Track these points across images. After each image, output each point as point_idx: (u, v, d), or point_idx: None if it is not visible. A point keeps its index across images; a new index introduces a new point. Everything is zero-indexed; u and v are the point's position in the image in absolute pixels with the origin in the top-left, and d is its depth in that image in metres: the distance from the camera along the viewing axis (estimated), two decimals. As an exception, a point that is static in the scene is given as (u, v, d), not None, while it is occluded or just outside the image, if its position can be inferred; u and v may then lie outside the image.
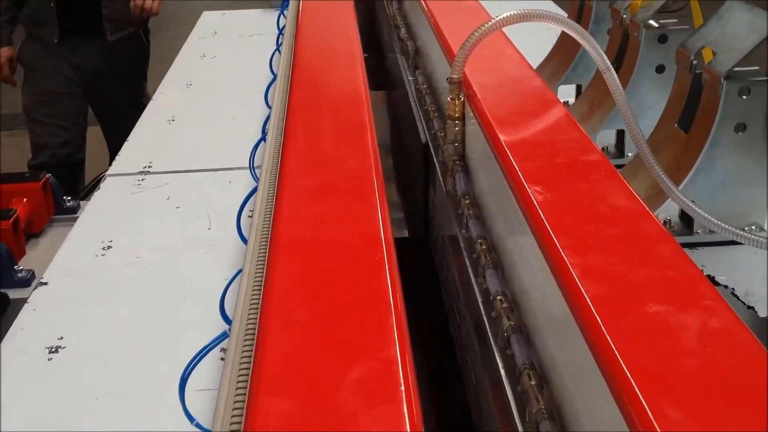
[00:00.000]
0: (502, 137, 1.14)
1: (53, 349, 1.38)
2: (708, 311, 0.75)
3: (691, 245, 1.64)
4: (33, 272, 1.79)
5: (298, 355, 0.71)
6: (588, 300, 0.76)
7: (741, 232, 1.51)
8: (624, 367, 0.67)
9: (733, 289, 1.52)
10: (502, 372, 0.98)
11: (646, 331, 0.72)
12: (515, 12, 1.36)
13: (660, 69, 1.96)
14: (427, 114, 1.78)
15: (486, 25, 1.34)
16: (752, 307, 1.47)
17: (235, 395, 0.74)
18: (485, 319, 1.08)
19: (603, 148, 2.08)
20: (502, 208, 1.12)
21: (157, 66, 3.43)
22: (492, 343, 1.03)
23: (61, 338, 1.41)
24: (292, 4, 2.36)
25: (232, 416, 0.73)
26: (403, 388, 0.66)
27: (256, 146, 1.92)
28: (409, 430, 0.61)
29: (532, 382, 0.89)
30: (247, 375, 0.76)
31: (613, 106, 1.98)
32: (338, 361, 0.70)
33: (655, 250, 0.85)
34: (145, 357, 1.36)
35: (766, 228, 1.63)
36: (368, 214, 0.93)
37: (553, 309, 0.86)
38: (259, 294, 0.95)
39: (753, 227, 1.63)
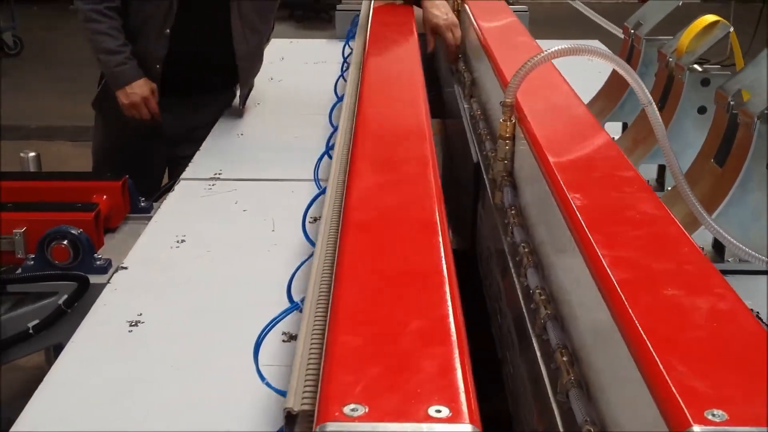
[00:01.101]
0: (548, 154, 1.28)
1: (133, 323, 1.54)
2: (717, 296, 0.88)
3: (722, 272, 1.75)
4: (110, 261, 1.96)
5: (366, 309, 0.86)
6: (614, 281, 0.89)
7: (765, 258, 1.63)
8: (642, 333, 0.80)
9: (758, 313, 1.63)
10: (538, 353, 1.11)
11: (663, 308, 0.85)
12: (567, 45, 1.51)
13: (702, 110, 2.09)
14: (479, 137, 1.93)
15: (540, 55, 1.48)
16: (774, 330, 1.57)
17: (311, 339, 0.89)
18: (524, 311, 1.21)
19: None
20: (545, 214, 1.25)
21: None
22: (530, 330, 1.16)
23: (140, 314, 1.57)
24: (358, 38, 2.54)
25: (309, 358, 0.87)
26: (454, 334, 0.80)
27: (320, 159, 2.07)
28: (459, 362, 0.75)
29: (564, 359, 1.02)
30: (323, 323, 0.91)
31: (655, 143, 2.11)
32: (400, 314, 0.84)
33: (676, 248, 0.99)
34: (215, 332, 1.51)
35: (792, 260, 1.74)
36: (425, 206, 1.08)
37: (585, 297, 0.99)
38: (328, 271, 1.10)
39: (781, 259, 1.74)
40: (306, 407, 0.82)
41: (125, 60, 2.51)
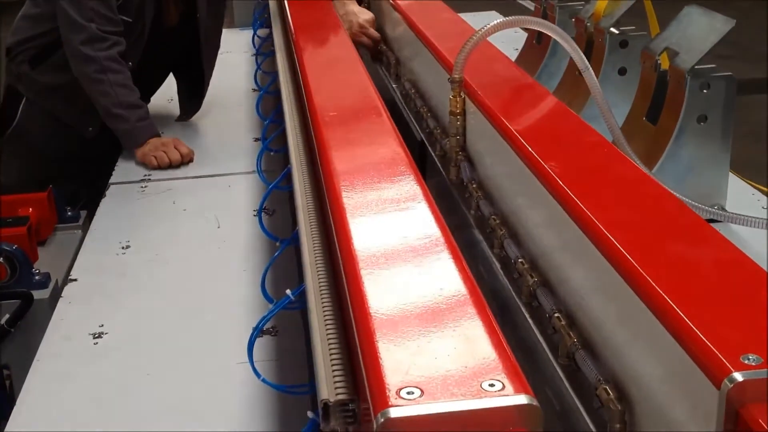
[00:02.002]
0: (510, 125, 1.31)
1: (97, 335, 1.49)
2: (716, 247, 0.92)
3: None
4: (48, 274, 1.88)
5: (389, 290, 0.86)
6: (616, 243, 0.92)
7: (712, 209, 1.72)
8: (659, 290, 0.83)
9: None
10: (530, 321, 1.13)
11: (670, 262, 0.89)
12: (508, 18, 1.53)
13: (622, 71, 2.16)
14: (418, 116, 1.94)
15: (483, 29, 1.50)
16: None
17: (327, 329, 0.89)
18: (508, 282, 1.23)
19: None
20: (517, 184, 1.28)
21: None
22: (517, 300, 1.19)
23: (102, 325, 1.52)
24: (276, 26, 2.51)
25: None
26: (483, 307, 0.81)
27: (261, 153, 2.04)
28: (497, 336, 0.76)
29: (563, 323, 1.04)
30: (332, 312, 0.91)
31: (583, 106, 2.17)
32: (423, 291, 0.84)
33: (663, 205, 1.02)
34: (181, 335, 1.48)
35: (727, 208, 1.83)
36: (408, 182, 1.08)
37: (584, 261, 1.02)
38: (321, 259, 1.09)
39: (716, 207, 1.82)
40: (342, 396, 0.81)
41: (146, 114, 2.32)
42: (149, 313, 1.57)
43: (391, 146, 1.25)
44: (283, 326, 1.48)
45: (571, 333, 1.03)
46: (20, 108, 2.42)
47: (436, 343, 0.76)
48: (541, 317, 1.12)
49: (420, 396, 0.70)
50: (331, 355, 0.88)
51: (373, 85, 1.57)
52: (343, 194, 1.06)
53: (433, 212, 1.03)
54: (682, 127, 1.75)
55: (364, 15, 2.55)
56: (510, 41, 2.89)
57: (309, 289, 1.01)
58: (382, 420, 0.68)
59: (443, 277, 0.86)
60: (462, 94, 1.55)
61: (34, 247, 1.99)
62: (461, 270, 0.87)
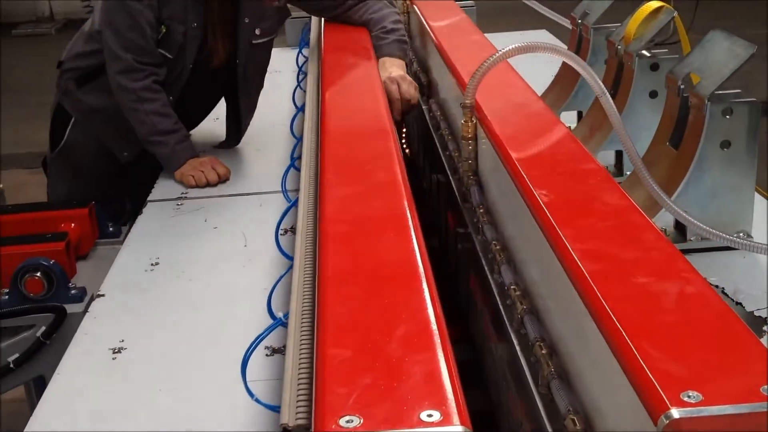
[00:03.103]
0: (510, 151, 1.32)
1: (116, 350, 1.55)
2: (684, 281, 0.92)
3: (685, 251, 1.81)
4: (84, 289, 1.96)
5: (351, 319, 0.89)
6: (586, 273, 0.93)
7: (730, 237, 1.69)
8: (615, 321, 0.84)
9: (723, 288, 1.69)
10: (518, 348, 1.15)
11: (634, 295, 0.89)
12: (520, 44, 1.55)
13: (653, 94, 2.14)
14: (442, 138, 1.96)
15: (494, 56, 1.52)
16: (740, 303, 1.63)
17: (300, 352, 0.92)
18: (501, 307, 1.25)
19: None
20: (512, 210, 1.29)
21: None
22: (508, 326, 1.20)
23: (122, 341, 1.58)
24: (312, 48, 2.56)
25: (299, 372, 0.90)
26: (438, 338, 0.83)
27: (286, 171, 2.09)
28: (445, 366, 0.78)
29: (543, 351, 1.06)
30: (310, 336, 0.93)
31: (611, 129, 2.17)
32: (385, 321, 0.87)
33: (642, 236, 1.03)
34: (198, 353, 1.53)
35: (752, 234, 1.80)
36: (397, 208, 1.11)
37: (558, 289, 1.03)
38: (309, 283, 1.13)
39: (741, 234, 1.80)
40: (301, 421, 0.85)
41: (184, 137, 2.35)
42: (169, 329, 1.62)
43: (390, 172, 1.29)
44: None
45: (549, 362, 1.04)
46: (69, 127, 2.52)
47: (384, 373, 0.79)
48: (527, 345, 1.13)
49: (359, 425, 0.72)
50: (299, 380, 0.91)
51: (387, 109, 1.61)
52: (328, 218, 1.10)
53: (415, 237, 1.06)
54: (702, 152, 1.73)
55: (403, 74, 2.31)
56: (555, 60, 2.89)
57: (292, 313, 1.05)
58: (321, 445, 0.71)
59: (402, 306, 0.89)
60: (473, 118, 1.57)
61: (73, 262, 2.07)
62: (420, 299, 0.89)
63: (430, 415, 0.73)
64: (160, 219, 2.15)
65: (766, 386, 0.72)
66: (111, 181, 2.56)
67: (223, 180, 2.35)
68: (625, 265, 0.96)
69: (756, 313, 1.60)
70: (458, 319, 1.75)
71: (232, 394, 1.40)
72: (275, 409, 1.27)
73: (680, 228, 1.84)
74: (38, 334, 1.86)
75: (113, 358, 1.53)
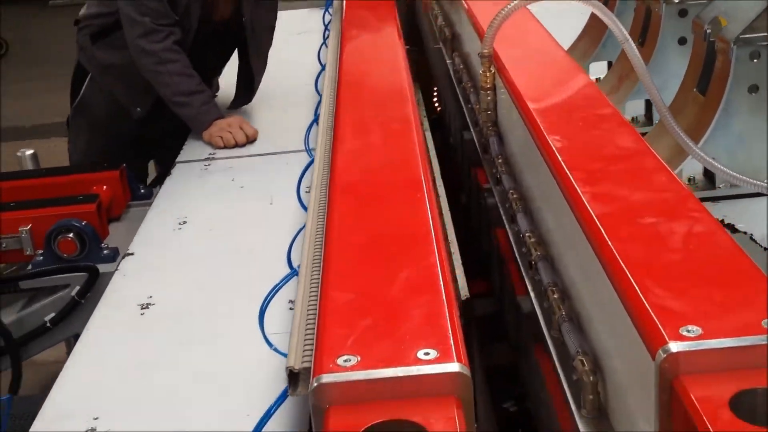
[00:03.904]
0: (526, 99, 1.31)
1: (144, 306, 1.58)
2: (693, 220, 0.91)
3: (714, 199, 1.78)
4: (117, 249, 2.00)
5: (356, 266, 0.89)
6: (593, 215, 0.92)
7: (760, 183, 1.65)
8: (620, 261, 0.83)
9: (751, 234, 1.66)
10: (532, 294, 1.14)
11: (641, 236, 0.88)
12: (539, -9, 1.52)
13: (682, 41, 2.10)
14: (464, 90, 1.95)
15: (512, 3, 1.50)
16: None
17: (308, 300, 0.93)
18: (517, 255, 1.24)
19: (633, 118, 2.23)
20: (528, 159, 1.28)
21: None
22: (523, 273, 1.20)
23: (150, 297, 1.61)
24: (335, 3, 2.54)
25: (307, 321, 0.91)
26: (441, 281, 0.83)
27: (309, 128, 2.10)
28: (446, 308, 0.79)
29: (555, 296, 1.05)
30: (317, 289, 0.94)
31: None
32: (389, 267, 0.88)
33: (653, 178, 1.01)
34: (223, 307, 1.56)
35: (785, 181, 1.76)
36: (408, 159, 1.11)
37: (569, 234, 1.03)
38: (321, 235, 1.13)
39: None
40: (306, 365, 0.86)
41: (209, 98, 2.37)
42: (196, 285, 1.65)
43: (408, 136, 1.28)
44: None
45: (561, 306, 1.04)
46: (85, 83, 2.58)
47: (385, 315, 0.80)
48: (539, 291, 1.13)
49: (356, 363, 0.73)
50: (306, 327, 0.92)
51: (405, 63, 1.59)
52: (339, 170, 1.10)
53: (425, 186, 1.06)
54: (729, 98, 1.69)
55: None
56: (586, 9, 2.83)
57: (303, 263, 1.06)
58: (315, 385, 0.72)
59: (407, 253, 0.89)
60: (492, 68, 1.56)
61: (104, 223, 2.11)
62: (426, 245, 0.89)
63: (427, 353, 0.73)
64: (188, 179, 2.18)
65: (767, 320, 0.71)
66: (130, 142, 2.60)
67: (251, 141, 2.37)
68: (635, 207, 0.95)
69: (784, 259, 1.57)
70: (485, 274, 1.75)
71: (255, 345, 1.42)
72: (292, 357, 1.28)
73: (709, 175, 1.81)
74: (73, 293, 1.90)
75: (141, 314, 1.56)
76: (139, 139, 2.59)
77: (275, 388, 1.29)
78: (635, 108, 2.21)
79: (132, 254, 1.80)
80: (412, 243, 0.93)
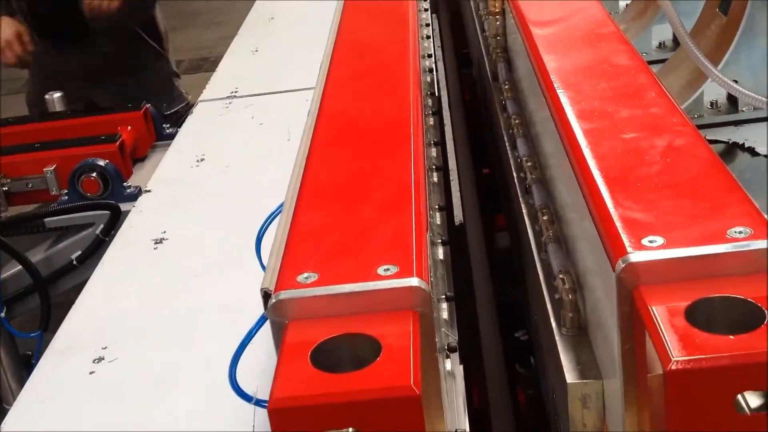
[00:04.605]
0: (528, 19, 1.27)
1: (158, 240, 1.61)
2: (676, 134, 0.88)
3: (737, 123, 1.73)
4: (140, 188, 2.03)
5: (329, 188, 0.89)
6: (574, 130, 0.90)
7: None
8: (593, 173, 0.81)
9: (773, 158, 1.61)
10: (526, 218, 1.13)
11: (621, 150, 0.86)
12: None
13: (710, -39, 2.01)
14: (480, 19, 1.90)
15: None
16: (787, 172, 1.56)
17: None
18: (516, 180, 1.23)
19: (660, 44, 2.16)
20: (529, 82, 1.25)
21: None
22: (518, 191, 1.18)
23: (164, 232, 1.63)
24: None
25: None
26: (413, 201, 0.82)
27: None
28: (414, 225, 0.78)
29: (545, 218, 1.04)
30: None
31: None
32: (362, 189, 0.87)
33: (644, 95, 0.98)
34: (236, 241, 1.57)
35: (810, 102, 1.69)
36: (397, 81, 1.09)
37: (556, 153, 1.00)
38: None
39: (796, 102, 1.69)
40: (281, 286, 0.86)
41: None
42: (210, 221, 1.67)
43: (400, 50, 1.26)
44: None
45: (549, 227, 1.02)
46: None
47: (351, 234, 0.79)
48: (533, 214, 1.12)
49: (315, 280, 0.73)
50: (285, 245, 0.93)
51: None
52: (328, 95, 1.09)
53: (414, 123, 1.04)
54: (751, 15, 1.63)
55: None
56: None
57: (289, 187, 1.06)
58: (274, 301, 0.72)
59: (381, 174, 0.88)
60: (500, -7, 1.52)
61: (128, 162, 2.14)
62: (416, 166, 0.88)
63: (387, 269, 0.73)
64: (208, 118, 2.19)
65: (733, 229, 0.69)
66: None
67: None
68: (620, 123, 0.92)
69: (805, 181, 1.52)
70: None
71: (259, 278, 1.43)
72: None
73: (732, 99, 1.75)
74: (97, 231, 1.95)
75: (155, 248, 1.59)
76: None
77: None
78: (662, 33, 2.14)
79: (149, 191, 1.83)
80: (389, 162, 0.92)
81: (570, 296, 0.89)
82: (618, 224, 0.73)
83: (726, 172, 0.79)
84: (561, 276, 0.92)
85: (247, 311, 1.35)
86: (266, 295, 0.87)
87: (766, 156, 1.60)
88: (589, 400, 0.84)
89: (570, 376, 0.85)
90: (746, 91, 1.52)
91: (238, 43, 2.73)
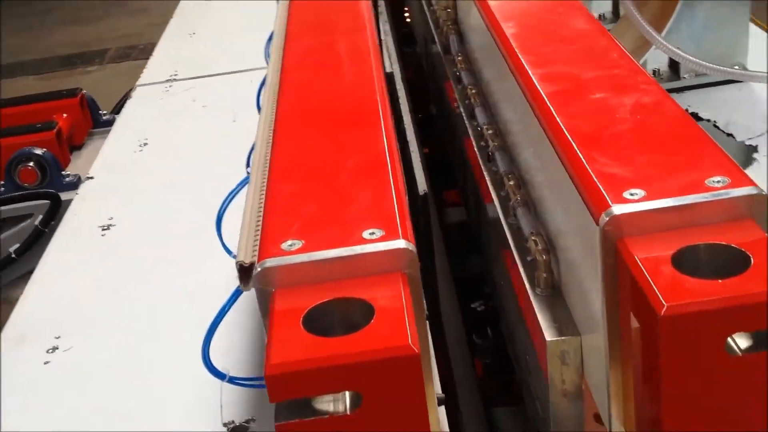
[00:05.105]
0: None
1: (105, 227, 1.56)
2: (642, 93, 0.89)
3: (679, 90, 1.77)
4: (79, 176, 1.97)
5: (302, 155, 0.88)
6: (542, 92, 0.90)
7: (728, 68, 1.63)
8: (565, 132, 0.82)
9: (714, 122, 1.65)
10: (490, 186, 1.13)
11: (589, 110, 0.87)
12: None
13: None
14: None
15: None
16: (731, 134, 1.60)
17: (259, 196, 0.91)
18: (476, 148, 1.23)
19: (600, 16, 2.19)
20: (485, 52, 1.26)
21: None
22: (481, 164, 1.19)
23: (111, 218, 1.59)
24: None
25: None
26: (389, 167, 0.82)
27: (269, 41, 2.05)
28: (393, 190, 0.78)
29: (511, 183, 1.04)
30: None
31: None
32: (336, 154, 0.86)
33: (606, 56, 0.99)
34: (186, 224, 1.54)
35: (748, 68, 1.74)
36: (359, 50, 1.08)
37: (521, 117, 1.01)
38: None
39: (736, 67, 1.74)
40: (256, 258, 0.84)
41: None
42: (157, 206, 1.63)
43: (356, 21, 1.25)
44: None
45: (516, 192, 1.03)
46: None
47: (331, 200, 0.78)
48: (498, 180, 1.12)
49: (301, 246, 0.72)
50: (257, 223, 0.91)
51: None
52: (289, 67, 1.08)
53: (376, 74, 1.03)
54: (691, -17, 1.66)
55: None
56: None
57: (254, 161, 1.04)
58: (260, 269, 0.71)
59: (354, 140, 0.87)
60: (448, -36, 1.52)
61: (66, 151, 2.08)
62: (373, 131, 0.87)
63: (372, 233, 0.72)
64: (149, 102, 2.14)
65: (711, 178, 0.71)
66: None
67: None
68: (585, 84, 0.93)
69: (747, 143, 1.57)
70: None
71: (216, 259, 1.41)
72: (255, 264, 1.27)
73: (674, 66, 1.79)
74: (36, 222, 1.89)
75: (102, 235, 1.54)
76: None
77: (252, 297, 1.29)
78: (601, 6, 2.17)
79: (92, 178, 1.78)
80: (362, 129, 0.91)
81: (544, 257, 0.90)
82: (597, 180, 0.73)
83: (696, 127, 0.81)
84: (533, 238, 0.92)
85: (203, 294, 1.34)
86: (242, 269, 0.85)
87: (708, 120, 1.64)
88: (568, 357, 0.85)
89: (548, 334, 0.85)
90: (690, 57, 1.55)
91: (173, 26, 2.67)
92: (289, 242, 0.73)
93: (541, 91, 0.92)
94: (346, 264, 0.71)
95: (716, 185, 0.70)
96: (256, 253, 0.85)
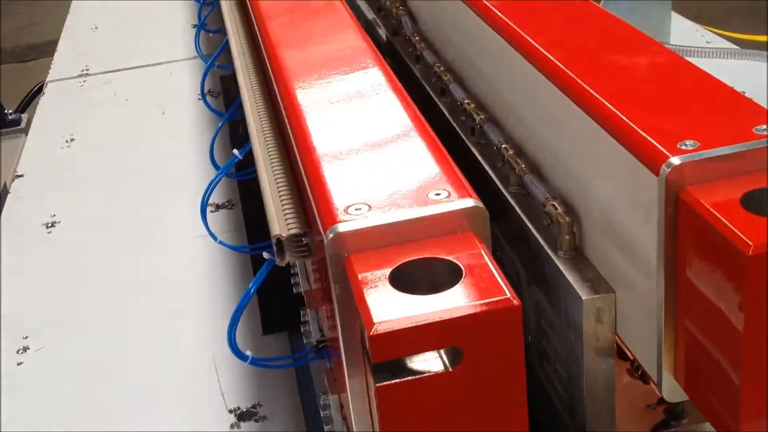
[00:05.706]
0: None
1: (50, 224, 1.48)
2: (653, 53, 0.92)
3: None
4: (-5, 176, 1.85)
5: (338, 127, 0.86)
6: (555, 60, 0.92)
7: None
8: (597, 94, 0.84)
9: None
10: (479, 157, 1.14)
11: (608, 72, 0.89)
12: None
13: None
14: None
15: None
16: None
17: (273, 171, 0.88)
18: (455, 125, 1.24)
19: None
20: (457, 26, 1.26)
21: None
22: (465, 141, 1.19)
23: (54, 215, 1.50)
24: None
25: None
26: (426, 133, 0.81)
27: (197, 34, 1.99)
28: (448, 158, 0.77)
29: (510, 152, 1.05)
30: (279, 153, 0.90)
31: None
32: (367, 123, 0.85)
33: (603, 23, 1.02)
34: (133, 216, 1.48)
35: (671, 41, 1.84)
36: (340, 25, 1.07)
37: (524, 88, 1.02)
38: (265, 111, 1.08)
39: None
40: (294, 231, 0.82)
41: None
42: (100, 199, 1.56)
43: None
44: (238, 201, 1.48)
45: (518, 161, 1.04)
46: None
47: (384, 166, 0.77)
48: (490, 152, 1.13)
49: (368, 210, 0.70)
50: (280, 194, 0.88)
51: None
52: (281, 49, 1.05)
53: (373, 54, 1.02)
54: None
55: None
56: None
57: (253, 135, 1.01)
58: (331, 236, 0.69)
59: (385, 108, 0.86)
60: (396, -54, 1.51)
61: (-24, 152, 1.94)
62: (403, 101, 0.86)
63: (438, 194, 0.71)
64: (65, 98, 2.03)
65: (758, 126, 0.74)
66: None
67: None
68: (591, 49, 0.95)
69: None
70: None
71: (182, 251, 1.36)
72: (240, 249, 1.24)
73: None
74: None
75: (48, 232, 1.46)
76: None
77: (203, 284, 1.25)
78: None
79: (21, 176, 1.67)
80: (382, 100, 0.90)
81: (567, 218, 0.91)
82: (647, 134, 0.75)
83: (721, 83, 0.84)
84: (552, 202, 0.94)
85: (165, 280, 1.28)
86: (279, 242, 0.83)
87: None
88: (603, 314, 0.87)
89: (584, 293, 0.87)
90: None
91: (71, 21, 2.55)
92: (356, 206, 0.71)
93: (552, 58, 0.94)
94: (419, 225, 0.69)
95: (766, 132, 0.73)
96: (292, 226, 0.82)
